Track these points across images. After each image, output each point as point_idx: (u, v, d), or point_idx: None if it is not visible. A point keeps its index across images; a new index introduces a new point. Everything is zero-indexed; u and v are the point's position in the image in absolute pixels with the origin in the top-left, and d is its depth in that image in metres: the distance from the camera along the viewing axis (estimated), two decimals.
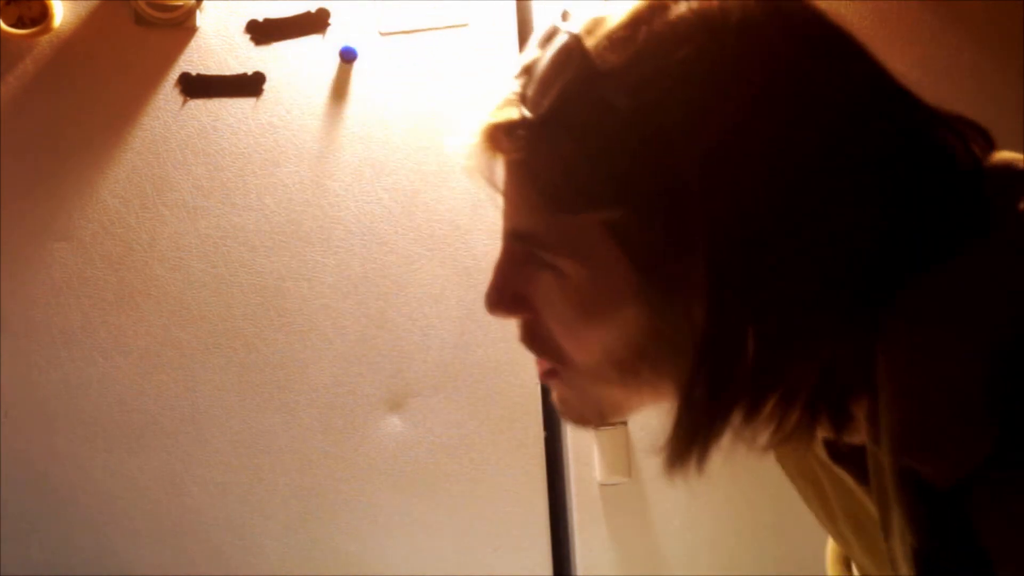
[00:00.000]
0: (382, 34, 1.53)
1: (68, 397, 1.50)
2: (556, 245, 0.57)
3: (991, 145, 0.59)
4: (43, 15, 1.43)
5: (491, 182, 0.60)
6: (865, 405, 0.57)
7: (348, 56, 1.51)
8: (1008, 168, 0.58)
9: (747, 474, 1.60)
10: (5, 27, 1.42)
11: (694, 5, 0.54)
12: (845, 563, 0.92)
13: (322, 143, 1.53)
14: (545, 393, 1.61)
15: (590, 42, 0.55)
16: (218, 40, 1.51)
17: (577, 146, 0.54)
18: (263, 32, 1.51)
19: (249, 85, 1.52)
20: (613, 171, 0.53)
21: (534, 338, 0.61)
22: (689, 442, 0.56)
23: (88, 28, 1.48)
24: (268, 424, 1.54)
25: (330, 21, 1.52)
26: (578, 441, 1.60)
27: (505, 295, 0.61)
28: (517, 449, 1.59)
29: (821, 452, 0.68)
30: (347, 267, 1.53)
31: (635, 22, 0.54)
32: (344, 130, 1.53)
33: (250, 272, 1.53)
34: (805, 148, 0.53)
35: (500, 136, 0.58)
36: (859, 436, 0.60)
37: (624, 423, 1.58)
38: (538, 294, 0.59)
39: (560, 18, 0.58)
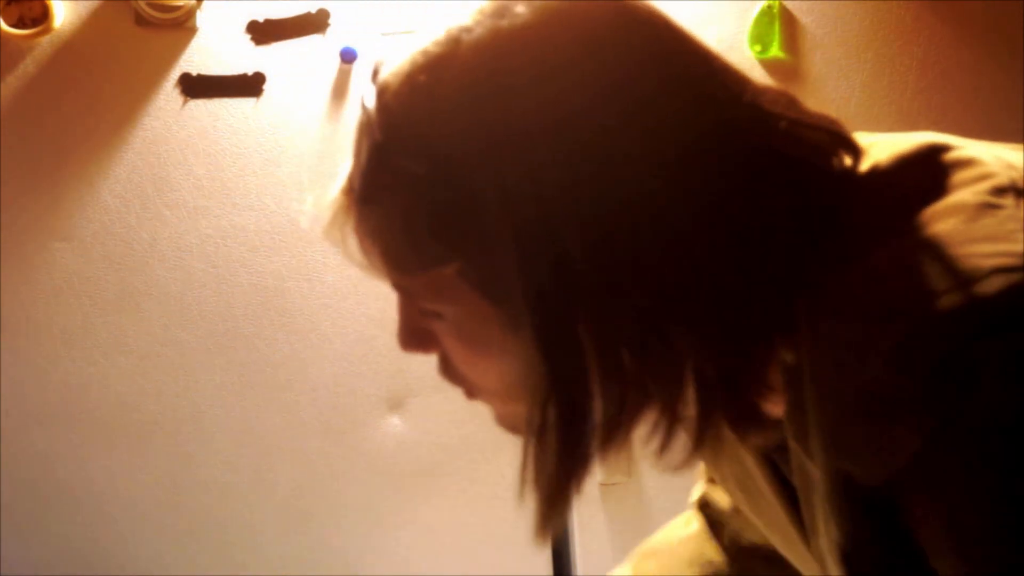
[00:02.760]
0: (383, 34, 1.53)
1: (68, 397, 1.50)
2: (424, 294, 0.59)
3: (851, 147, 0.58)
4: (43, 15, 1.43)
5: (345, 252, 0.62)
6: (774, 398, 0.57)
7: (348, 56, 1.51)
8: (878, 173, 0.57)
9: None
10: (5, 27, 1.42)
11: (474, 36, 0.54)
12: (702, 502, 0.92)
13: (322, 143, 1.53)
14: None
15: (382, 106, 0.56)
16: (218, 40, 1.51)
17: (393, 218, 0.56)
18: (263, 32, 1.51)
19: (249, 85, 1.52)
20: (433, 232, 0.54)
21: (447, 370, 0.63)
22: (557, 480, 0.56)
23: (88, 28, 1.48)
24: (268, 424, 1.54)
25: (330, 21, 1.52)
26: None
27: (413, 335, 0.63)
28: (517, 449, 1.59)
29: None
30: (347, 267, 1.52)
31: (411, 74, 0.55)
32: (344, 130, 1.53)
33: (250, 272, 1.53)
34: (610, 165, 0.52)
35: (342, 211, 0.61)
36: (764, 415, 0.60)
37: None
38: (436, 332, 0.61)
39: (371, 76, 0.58)
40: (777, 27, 1.61)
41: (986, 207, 0.50)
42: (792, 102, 0.57)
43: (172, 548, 1.54)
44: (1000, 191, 0.51)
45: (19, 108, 1.47)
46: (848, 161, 0.56)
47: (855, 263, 0.52)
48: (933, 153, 0.55)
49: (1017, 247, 0.48)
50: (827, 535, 0.56)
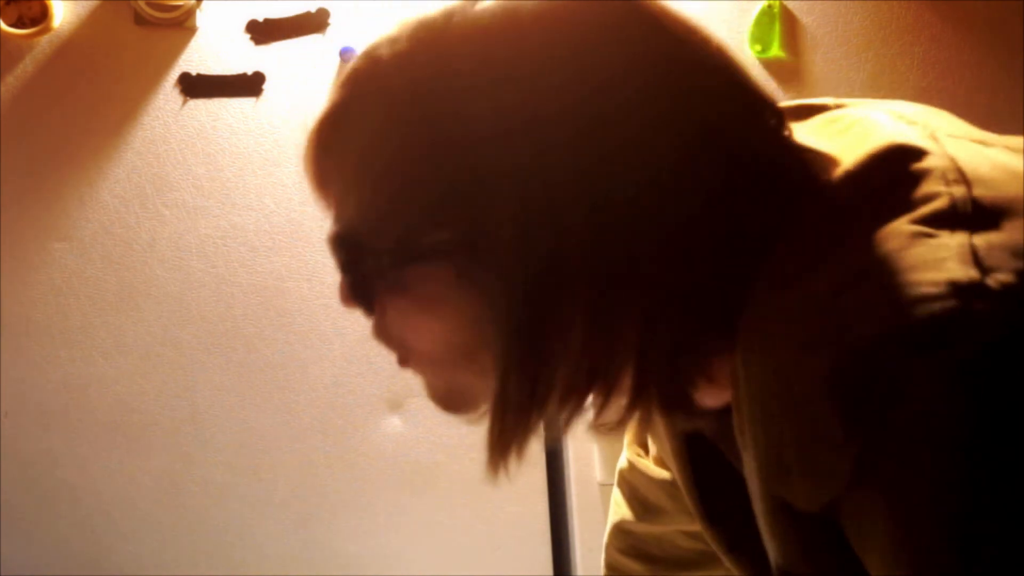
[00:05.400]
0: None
1: (68, 397, 1.50)
2: (388, 256, 0.59)
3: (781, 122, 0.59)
4: (43, 15, 1.43)
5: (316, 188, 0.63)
6: (713, 390, 0.58)
7: (348, 56, 1.51)
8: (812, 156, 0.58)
9: None
10: (5, 27, 1.42)
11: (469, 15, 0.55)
12: (642, 444, 0.94)
13: None
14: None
15: (392, 61, 0.57)
16: (218, 40, 1.51)
17: (384, 178, 0.56)
18: (263, 32, 1.51)
19: (249, 85, 1.52)
20: (428, 203, 0.54)
21: (381, 332, 0.63)
22: (509, 436, 0.58)
23: (88, 28, 1.48)
24: (268, 424, 1.54)
25: (330, 21, 1.52)
26: (578, 441, 1.60)
27: (356, 291, 0.64)
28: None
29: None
30: None
31: (417, 40, 0.57)
32: None
33: (250, 272, 1.53)
34: (603, 138, 0.53)
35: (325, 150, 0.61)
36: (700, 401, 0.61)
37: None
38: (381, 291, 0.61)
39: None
40: (777, 27, 1.61)
41: (919, 236, 0.50)
42: (779, 114, 0.58)
43: (172, 548, 1.54)
44: (936, 219, 0.51)
45: (19, 108, 1.47)
46: (815, 173, 0.57)
47: (793, 285, 0.53)
48: (894, 161, 0.55)
49: (942, 275, 0.48)
50: (767, 544, 0.58)
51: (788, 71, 1.62)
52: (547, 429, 0.61)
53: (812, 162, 0.57)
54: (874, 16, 1.65)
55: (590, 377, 0.56)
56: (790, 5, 1.63)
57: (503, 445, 0.59)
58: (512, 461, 0.59)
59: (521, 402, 0.56)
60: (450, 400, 0.63)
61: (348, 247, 0.59)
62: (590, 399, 0.58)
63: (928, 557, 0.47)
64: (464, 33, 0.55)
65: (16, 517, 1.50)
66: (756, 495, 0.56)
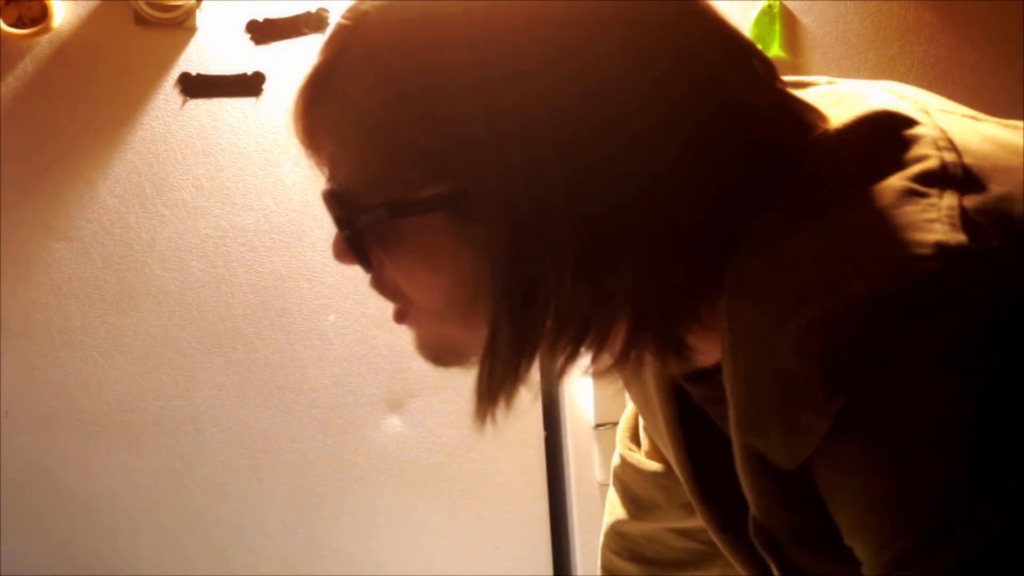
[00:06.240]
0: None
1: (68, 397, 1.50)
2: (383, 208, 0.58)
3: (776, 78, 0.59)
4: (43, 15, 1.43)
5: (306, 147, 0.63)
6: (707, 334, 0.58)
7: None
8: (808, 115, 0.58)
9: None
10: (5, 27, 1.42)
11: None
12: (633, 438, 0.94)
13: None
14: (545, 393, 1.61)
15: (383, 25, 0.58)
16: (218, 40, 1.51)
17: (375, 135, 0.56)
18: (263, 32, 1.51)
19: (249, 85, 1.52)
20: (417, 157, 0.55)
21: (380, 283, 0.62)
22: (498, 386, 0.57)
23: (88, 28, 1.48)
24: (268, 424, 1.54)
25: (330, 21, 1.52)
26: (578, 441, 1.60)
27: (351, 246, 0.62)
28: (517, 449, 1.59)
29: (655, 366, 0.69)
30: (347, 267, 1.52)
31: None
32: None
33: (250, 272, 1.53)
34: (602, 101, 0.53)
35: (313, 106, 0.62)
36: (694, 360, 0.61)
37: None
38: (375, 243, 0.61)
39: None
40: (777, 27, 1.61)
41: (909, 194, 0.50)
42: (766, 61, 0.59)
43: (171, 548, 1.54)
44: (927, 178, 0.51)
45: (18, 108, 1.47)
46: (809, 131, 0.57)
47: (783, 238, 0.53)
48: (885, 125, 0.55)
49: (931, 237, 0.48)
50: (747, 495, 0.58)
51: (788, 71, 1.62)
52: (542, 379, 0.60)
53: (803, 113, 0.58)
54: (874, 16, 1.65)
55: (583, 326, 0.56)
56: (790, 5, 1.63)
57: (491, 395, 0.58)
58: (500, 411, 0.59)
59: (510, 353, 0.56)
60: (440, 353, 0.63)
61: (343, 204, 0.59)
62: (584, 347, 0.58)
63: (903, 519, 0.47)
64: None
65: (16, 517, 1.50)
66: (735, 446, 0.56)
